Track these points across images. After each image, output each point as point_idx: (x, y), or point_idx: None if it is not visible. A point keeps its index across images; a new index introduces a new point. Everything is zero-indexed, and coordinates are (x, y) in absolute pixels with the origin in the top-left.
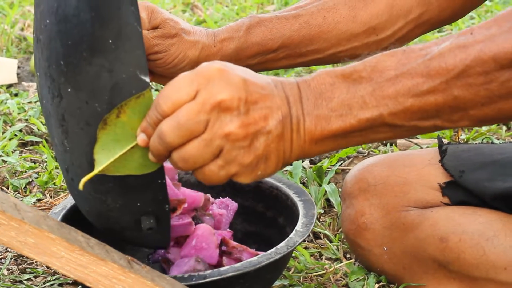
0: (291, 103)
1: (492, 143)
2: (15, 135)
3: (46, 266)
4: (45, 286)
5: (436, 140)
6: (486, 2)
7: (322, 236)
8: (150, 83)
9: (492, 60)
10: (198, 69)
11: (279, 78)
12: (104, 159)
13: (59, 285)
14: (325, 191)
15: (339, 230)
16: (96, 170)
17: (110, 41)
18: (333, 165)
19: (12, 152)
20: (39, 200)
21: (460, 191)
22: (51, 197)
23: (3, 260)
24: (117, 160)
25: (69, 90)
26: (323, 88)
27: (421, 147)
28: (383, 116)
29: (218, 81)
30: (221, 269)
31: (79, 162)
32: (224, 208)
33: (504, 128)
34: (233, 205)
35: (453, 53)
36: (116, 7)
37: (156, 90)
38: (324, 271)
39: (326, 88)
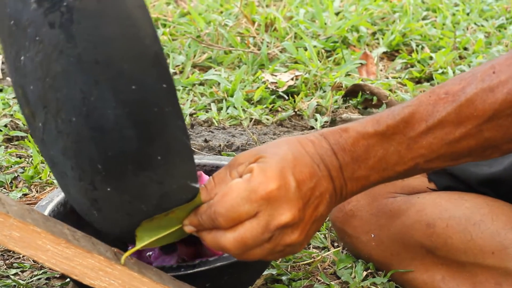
0: (334, 177)
1: None
2: (0, 130)
3: (33, 261)
4: (32, 281)
5: None
6: None
7: None
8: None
9: None
10: (255, 187)
11: (317, 149)
12: (146, 237)
13: (46, 279)
14: None
15: (327, 219)
16: (138, 247)
17: (159, 158)
18: None
19: None
20: (25, 195)
21: (446, 177)
22: (37, 191)
23: None
24: (158, 238)
25: (108, 189)
26: (359, 151)
27: None
28: (418, 164)
29: (278, 200)
30: (210, 259)
31: (107, 228)
32: None
33: None
34: None
35: (481, 98)
36: (163, 123)
37: None
38: (312, 260)
39: (362, 150)
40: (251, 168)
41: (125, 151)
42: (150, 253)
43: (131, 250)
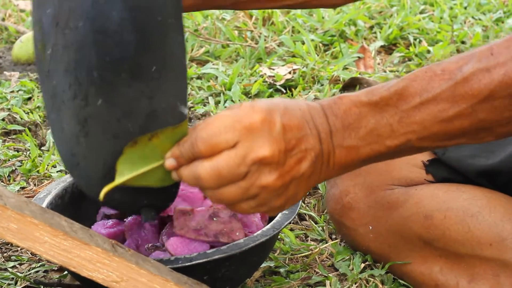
0: (323, 139)
1: None
2: None
3: (31, 253)
4: (30, 273)
5: None
6: None
7: (307, 218)
8: (187, 116)
9: None
10: (240, 116)
11: (310, 109)
12: (127, 171)
13: (44, 271)
14: None
15: (324, 211)
16: (117, 182)
17: (154, 69)
18: None
19: None
20: (22, 188)
21: (444, 169)
22: (35, 185)
23: None
24: (139, 175)
25: (99, 102)
26: (350, 119)
27: None
28: (410, 141)
29: (260, 133)
30: (208, 251)
31: (93, 161)
32: None
33: None
34: None
35: (477, 77)
36: (163, 34)
37: None
38: (309, 252)
39: (353, 119)
40: (241, 104)
41: (122, 57)
42: (149, 245)
43: (111, 185)
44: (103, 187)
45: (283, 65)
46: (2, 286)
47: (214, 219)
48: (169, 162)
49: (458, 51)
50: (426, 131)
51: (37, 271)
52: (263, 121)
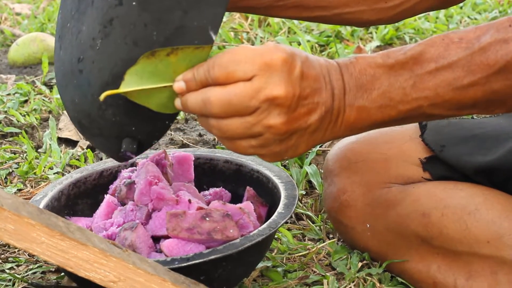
0: (336, 96)
1: (472, 117)
2: None
3: (28, 255)
4: (27, 275)
5: None
6: None
7: (304, 217)
8: (214, 42)
9: None
10: (263, 51)
11: (328, 65)
12: (133, 83)
13: (41, 273)
14: (307, 172)
15: (322, 211)
16: (120, 90)
17: None
18: None
19: None
20: (19, 190)
21: (441, 166)
22: (32, 187)
23: None
24: (143, 91)
25: (133, 3)
26: (364, 80)
27: None
28: (422, 107)
29: (278, 73)
30: (204, 252)
31: (101, 66)
32: (219, 198)
33: None
34: (227, 195)
35: (494, 48)
36: None
37: None
38: (307, 251)
39: (367, 80)
40: (266, 42)
41: None
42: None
43: (114, 91)
44: (100, 96)
45: None
46: None
47: (207, 219)
48: (178, 85)
49: None
50: (439, 98)
51: (35, 273)
52: (284, 61)
